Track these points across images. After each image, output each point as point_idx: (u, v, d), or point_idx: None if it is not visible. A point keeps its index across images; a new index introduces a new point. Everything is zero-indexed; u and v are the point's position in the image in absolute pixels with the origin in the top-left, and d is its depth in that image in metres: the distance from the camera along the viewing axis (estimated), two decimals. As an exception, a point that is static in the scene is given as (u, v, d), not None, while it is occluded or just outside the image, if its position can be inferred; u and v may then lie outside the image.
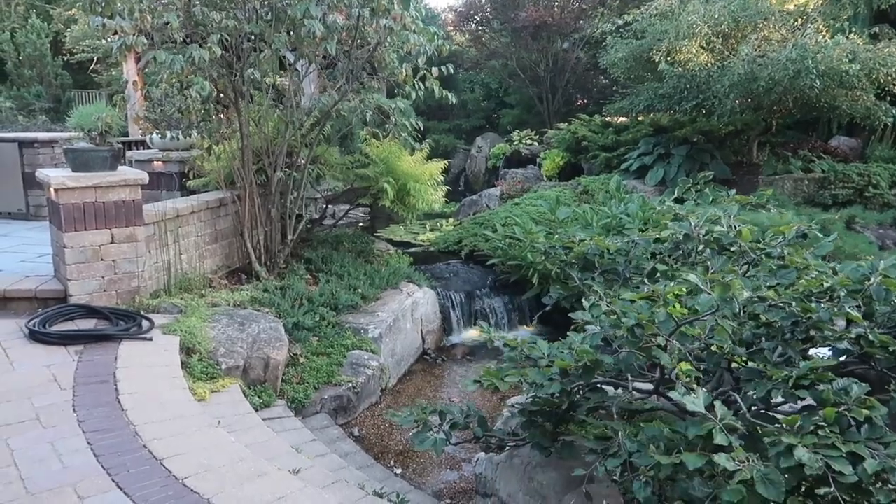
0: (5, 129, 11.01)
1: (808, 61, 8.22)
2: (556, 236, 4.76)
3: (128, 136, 10.38)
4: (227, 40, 5.69)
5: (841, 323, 2.74)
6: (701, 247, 3.06)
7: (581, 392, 3.04)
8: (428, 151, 8.10)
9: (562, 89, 16.42)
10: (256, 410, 4.54)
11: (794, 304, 2.75)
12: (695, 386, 3.06)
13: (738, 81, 8.85)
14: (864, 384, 2.35)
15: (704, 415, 2.38)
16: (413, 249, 9.74)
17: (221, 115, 6.58)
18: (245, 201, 6.45)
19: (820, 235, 2.92)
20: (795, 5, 9.98)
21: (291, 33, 5.96)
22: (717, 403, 2.42)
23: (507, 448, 3.47)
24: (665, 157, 10.81)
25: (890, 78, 8.77)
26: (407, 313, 6.78)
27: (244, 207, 6.47)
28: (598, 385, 3.11)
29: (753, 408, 2.74)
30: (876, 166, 10.62)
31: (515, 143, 14.47)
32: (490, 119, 19.08)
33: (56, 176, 5.04)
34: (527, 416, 3.21)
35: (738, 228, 2.98)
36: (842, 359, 2.84)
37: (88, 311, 5.00)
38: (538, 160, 13.27)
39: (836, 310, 2.77)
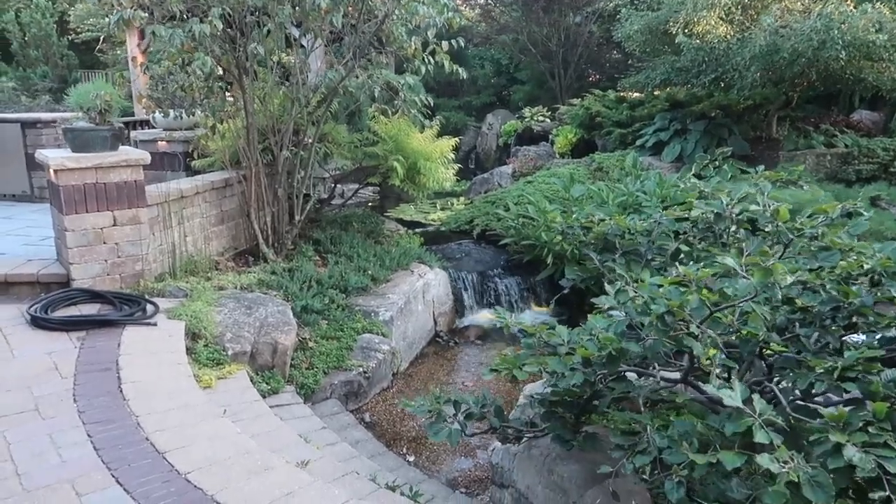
0: (8, 109, 10.85)
1: (834, 31, 7.88)
2: (574, 216, 4.55)
3: (133, 115, 10.20)
4: (229, 14, 5.48)
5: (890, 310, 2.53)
6: (734, 227, 2.85)
7: (604, 381, 2.86)
8: (438, 129, 7.87)
9: (574, 64, 16.05)
10: (264, 397, 4.41)
11: (829, 286, 2.55)
12: (731, 377, 2.88)
13: (760, 53, 8.52)
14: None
15: (741, 409, 2.20)
16: (423, 229, 9.56)
17: (226, 93, 6.38)
18: (251, 181, 6.28)
19: (866, 215, 2.69)
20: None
21: (297, 7, 5.73)
22: (756, 397, 2.24)
23: (525, 439, 3.30)
24: (682, 132, 10.52)
25: (918, 48, 8.40)
26: (418, 295, 6.62)
27: (250, 188, 6.30)
28: (622, 373, 2.93)
29: (791, 399, 2.55)
30: (901, 140, 10.27)
31: (527, 119, 14.17)
32: (501, 95, 18.73)
33: (55, 157, 4.87)
34: (547, 408, 3.04)
35: (774, 207, 2.77)
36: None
37: (92, 296, 4.87)
38: (550, 137, 12.99)
39: (878, 294, 2.57)
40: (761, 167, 4.43)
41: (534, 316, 7.37)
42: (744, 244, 2.67)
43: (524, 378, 3.12)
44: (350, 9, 5.78)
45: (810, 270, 2.56)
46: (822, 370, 2.35)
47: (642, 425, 2.52)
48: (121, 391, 3.58)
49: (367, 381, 5.22)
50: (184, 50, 5.27)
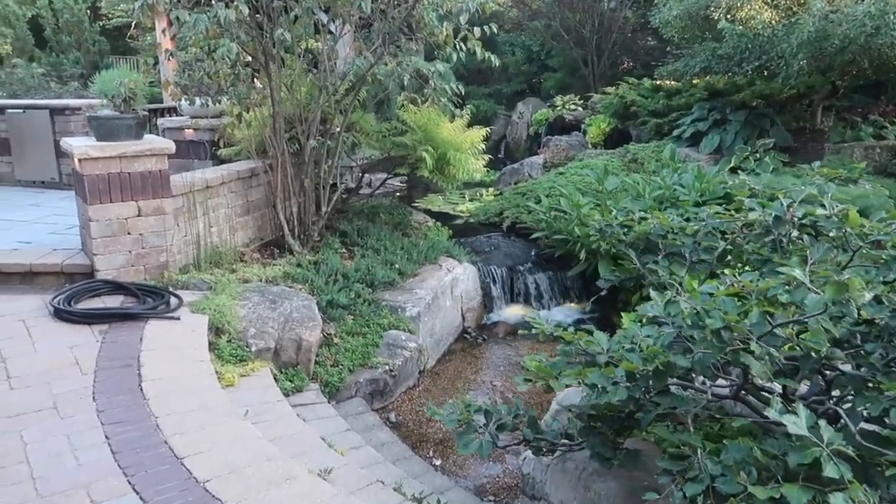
0: (38, 95, 10.90)
1: (890, 16, 7.43)
2: (614, 212, 4.32)
3: (161, 102, 10.15)
4: (255, -1, 5.33)
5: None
6: (795, 232, 2.60)
7: (648, 396, 2.65)
8: (468, 118, 7.65)
9: (608, 51, 15.59)
10: (287, 395, 4.29)
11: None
12: (785, 393, 2.65)
13: (808, 40, 8.09)
14: None
15: (807, 436, 1.98)
16: (452, 221, 9.36)
17: (252, 81, 6.24)
18: (277, 171, 6.15)
19: (950, 221, 2.43)
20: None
21: (325, -9, 5.56)
22: (822, 423, 2.02)
23: (560, 452, 3.12)
24: (721, 122, 10.11)
25: (980, 34, 7.89)
26: (446, 290, 6.44)
27: (276, 177, 6.17)
28: (667, 387, 2.71)
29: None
30: (957, 133, 9.73)
31: (558, 108, 13.82)
32: (531, 83, 18.32)
33: (79, 145, 4.79)
34: (585, 422, 2.84)
35: (841, 210, 2.52)
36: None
37: (115, 287, 4.80)
38: (583, 126, 12.64)
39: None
40: (816, 162, 4.14)
41: (565, 313, 7.15)
42: (808, 252, 2.43)
43: (560, 389, 2.93)
44: (380, -7, 5.59)
45: (884, 283, 2.32)
46: (894, 393, 2.12)
47: (692, 448, 2.32)
48: (141, 389, 3.48)
49: (393, 380, 5.07)
50: (209, 36, 5.14)
